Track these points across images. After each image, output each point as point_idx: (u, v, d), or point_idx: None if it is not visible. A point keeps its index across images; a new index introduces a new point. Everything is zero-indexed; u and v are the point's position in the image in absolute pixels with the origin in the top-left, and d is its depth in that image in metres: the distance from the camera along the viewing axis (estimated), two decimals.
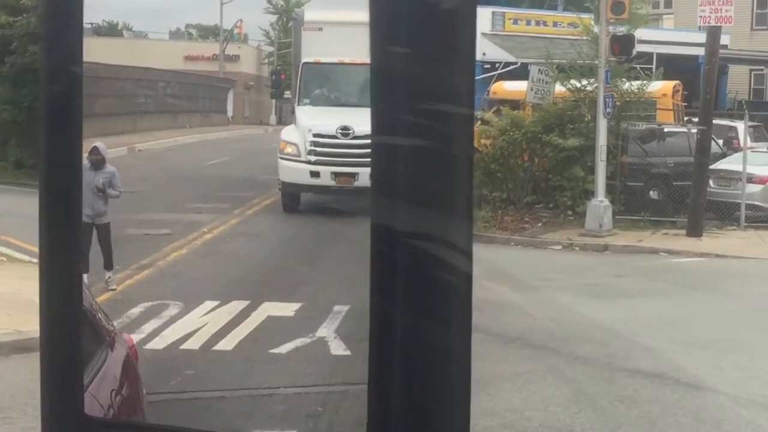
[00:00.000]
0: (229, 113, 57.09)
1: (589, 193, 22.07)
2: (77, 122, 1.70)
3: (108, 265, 13.41)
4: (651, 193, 23.47)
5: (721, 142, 25.84)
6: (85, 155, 13.44)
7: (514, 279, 16.77)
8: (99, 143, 13.91)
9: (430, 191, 1.31)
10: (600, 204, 21.44)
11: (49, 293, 1.68)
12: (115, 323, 9.69)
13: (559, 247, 20.45)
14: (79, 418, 1.68)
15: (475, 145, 24.76)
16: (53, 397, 1.67)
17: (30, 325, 11.68)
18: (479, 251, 20.01)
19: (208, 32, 71.43)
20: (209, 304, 12.38)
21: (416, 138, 1.30)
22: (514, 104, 25.40)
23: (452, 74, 1.31)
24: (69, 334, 1.72)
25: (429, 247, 1.31)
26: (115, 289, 12.69)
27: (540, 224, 22.35)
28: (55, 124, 1.70)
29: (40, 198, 1.68)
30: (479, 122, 26.04)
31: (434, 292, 1.32)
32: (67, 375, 1.70)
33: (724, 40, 28.20)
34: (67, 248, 1.72)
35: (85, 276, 12.00)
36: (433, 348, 1.32)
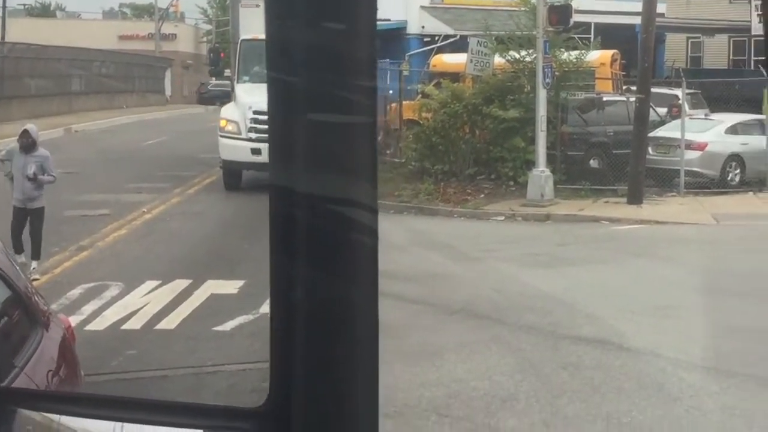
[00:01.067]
0: (167, 93, 56.60)
1: (530, 164, 22.14)
2: None
3: (35, 254, 13.12)
4: (591, 162, 23.60)
5: (665, 110, 26.01)
6: (15, 138, 13.26)
7: (457, 250, 16.80)
8: (30, 125, 13.62)
9: (331, 156, 1.29)
10: (541, 174, 21.52)
11: None
12: (54, 305, 9.57)
13: (502, 218, 20.51)
14: None
15: (416, 119, 24.92)
16: None
17: None
18: (423, 224, 20.01)
19: (143, 11, 70.69)
20: (151, 284, 12.30)
21: (315, 108, 1.27)
22: (454, 77, 25.41)
23: (352, 44, 1.28)
24: None
25: (330, 204, 1.28)
26: (38, 279, 12.44)
27: (482, 195, 22.39)
28: None
29: None
30: (420, 96, 26.05)
31: (337, 249, 1.29)
32: None
33: (661, 8, 28.38)
34: None
35: (20, 256, 11.75)
36: (338, 303, 1.29)
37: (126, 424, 1.56)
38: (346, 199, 1.28)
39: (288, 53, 1.28)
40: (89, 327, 10.57)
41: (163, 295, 11.85)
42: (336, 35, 1.27)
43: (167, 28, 60.96)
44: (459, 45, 30.37)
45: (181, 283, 12.31)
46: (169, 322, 10.89)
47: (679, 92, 25.32)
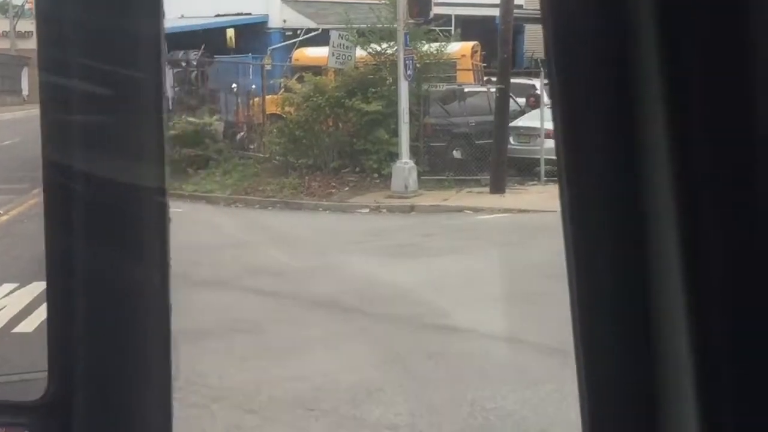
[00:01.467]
0: (25, 92, 55.21)
1: (394, 156, 22.25)
2: None
3: None
4: (454, 152, 23.83)
5: (523, 100, 26.39)
6: None
7: (323, 244, 16.78)
8: None
9: (111, 135, 1.24)
10: (405, 166, 21.66)
11: None
12: None
13: (367, 210, 20.58)
14: None
15: (280, 113, 24.80)
16: None
17: None
18: (288, 218, 19.88)
19: None
20: (7, 287, 12.00)
21: (92, 85, 1.22)
22: (317, 70, 25.38)
23: (133, 21, 1.23)
24: None
25: (111, 183, 1.23)
26: None
27: (347, 188, 22.44)
28: None
29: None
30: (282, 90, 25.94)
31: (121, 228, 1.24)
32: None
33: (519, 0, 28.81)
34: None
35: None
36: (124, 283, 1.24)
37: None
38: (129, 181, 1.24)
39: (60, 28, 1.22)
40: None
41: (21, 298, 11.55)
42: (115, 13, 1.22)
43: (23, 26, 59.32)
44: (321, 39, 30.32)
45: (39, 285, 11.99)
46: (28, 325, 10.60)
47: (537, 82, 25.75)
